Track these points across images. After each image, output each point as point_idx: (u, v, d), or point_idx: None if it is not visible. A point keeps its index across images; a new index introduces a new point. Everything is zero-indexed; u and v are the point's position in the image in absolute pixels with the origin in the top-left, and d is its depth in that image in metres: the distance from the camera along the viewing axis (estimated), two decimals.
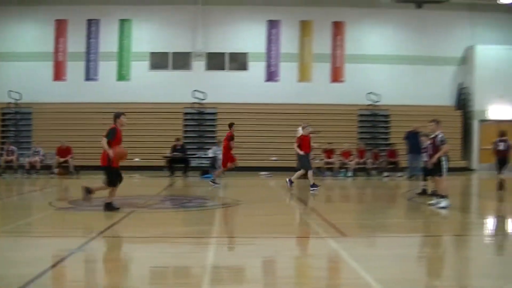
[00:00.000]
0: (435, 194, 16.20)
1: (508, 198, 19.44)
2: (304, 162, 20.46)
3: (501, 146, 21.07)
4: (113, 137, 14.13)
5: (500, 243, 11.46)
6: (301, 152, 20.29)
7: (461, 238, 11.92)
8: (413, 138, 24.96)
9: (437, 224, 13.85)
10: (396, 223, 13.93)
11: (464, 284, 7.82)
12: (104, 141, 14.06)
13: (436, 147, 15.38)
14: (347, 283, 7.72)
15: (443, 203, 15.07)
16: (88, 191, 14.12)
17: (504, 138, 21.29)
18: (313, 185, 19.98)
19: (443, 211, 14.71)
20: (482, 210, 17.58)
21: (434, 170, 15.56)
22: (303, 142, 20.49)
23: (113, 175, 14.12)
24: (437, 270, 8.76)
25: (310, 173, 20.37)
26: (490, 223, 14.72)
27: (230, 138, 22.19)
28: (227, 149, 22.23)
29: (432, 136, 15.72)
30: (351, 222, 13.83)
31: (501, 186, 20.42)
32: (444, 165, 15.35)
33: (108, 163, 14.01)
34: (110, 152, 13.86)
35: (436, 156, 15.26)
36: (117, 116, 14.68)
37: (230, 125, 22.61)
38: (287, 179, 20.32)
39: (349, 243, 10.41)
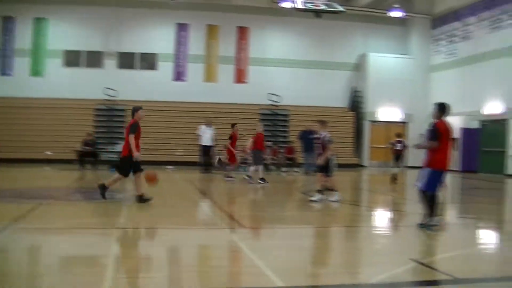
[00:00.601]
0: (319, 190, 16.37)
1: (397, 192, 19.99)
2: (257, 158, 20.81)
3: (398, 146, 22.31)
4: (136, 131, 13.63)
5: (386, 233, 11.75)
6: (248, 151, 21.38)
7: (350, 229, 12.16)
8: (306, 137, 25.32)
9: (329, 216, 14.07)
10: (291, 215, 14.06)
11: (351, 271, 7.97)
12: (131, 138, 13.55)
13: (323, 146, 15.51)
14: (244, 272, 7.76)
15: (335, 197, 15.28)
16: (103, 187, 13.87)
17: (400, 139, 22.61)
18: (256, 179, 20.47)
19: (335, 204, 14.95)
20: (371, 203, 17.98)
21: (323, 168, 15.68)
22: (259, 140, 20.66)
23: (127, 166, 13.76)
24: (327, 258, 8.91)
25: (255, 168, 20.70)
26: (377, 215, 15.06)
27: (235, 137, 22.78)
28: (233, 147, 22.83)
29: (318, 135, 15.85)
30: (250, 214, 13.90)
31: (394, 179, 21.44)
32: (332, 163, 15.51)
33: (129, 153, 13.64)
34: (136, 155, 13.53)
35: (324, 155, 15.37)
36: (135, 110, 14.09)
37: (233, 125, 22.98)
38: (259, 181, 20.52)
39: (246, 234, 10.48)
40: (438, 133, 10.65)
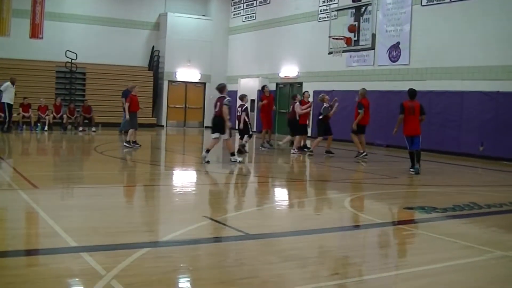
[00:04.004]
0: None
1: (194, 151, 20.40)
2: (133, 121, 20.23)
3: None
4: None
5: (182, 192, 12.03)
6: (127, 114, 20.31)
7: (147, 188, 12.34)
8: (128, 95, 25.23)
9: (126, 176, 14.16)
10: (87, 175, 13.98)
11: (145, 230, 8.12)
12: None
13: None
14: (37, 233, 7.63)
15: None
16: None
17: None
18: (135, 143, 20.03)
19: (134, 164, 15.04)
20: (168, 163, 18.25)
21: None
22: (133, 102, 20.25)
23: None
24: (122, 217, 8.96)
25: (132, 131, 20.06)
26: (174, 174, 15.35)
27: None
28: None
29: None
30: (44, 174, 13.62)
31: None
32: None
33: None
34: None
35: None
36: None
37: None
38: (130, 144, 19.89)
39: (39, 195, 10.30)
40: None
